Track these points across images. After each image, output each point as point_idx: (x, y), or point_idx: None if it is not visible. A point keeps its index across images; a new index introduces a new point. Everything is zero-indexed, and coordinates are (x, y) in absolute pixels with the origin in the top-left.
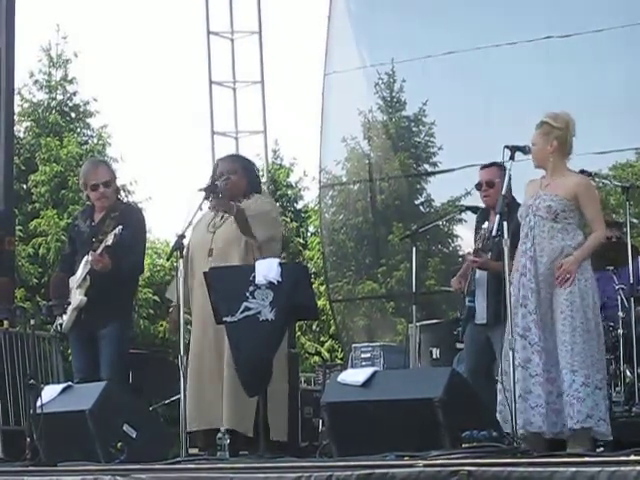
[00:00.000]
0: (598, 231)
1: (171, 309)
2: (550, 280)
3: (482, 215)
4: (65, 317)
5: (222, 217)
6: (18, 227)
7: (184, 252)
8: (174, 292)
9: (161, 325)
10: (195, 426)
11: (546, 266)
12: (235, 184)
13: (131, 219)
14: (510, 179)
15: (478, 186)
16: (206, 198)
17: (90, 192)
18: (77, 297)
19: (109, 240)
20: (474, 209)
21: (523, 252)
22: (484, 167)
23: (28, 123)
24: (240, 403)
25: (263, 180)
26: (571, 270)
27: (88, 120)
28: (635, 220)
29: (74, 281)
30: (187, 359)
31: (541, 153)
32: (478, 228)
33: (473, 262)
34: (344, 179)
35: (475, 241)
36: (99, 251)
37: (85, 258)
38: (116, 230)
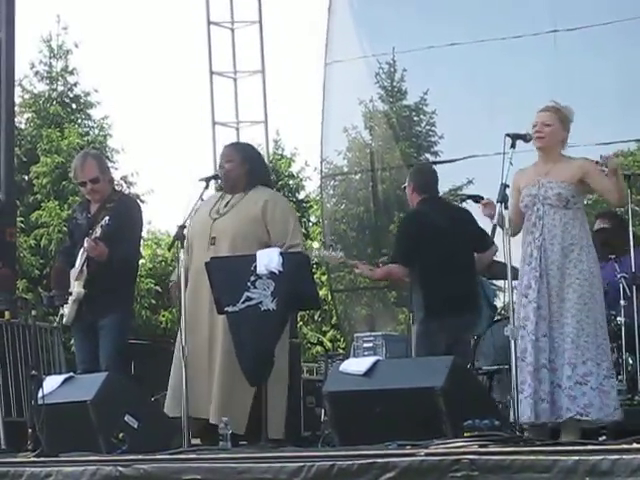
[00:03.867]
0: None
1: (171, 284)
2: (563, 269)
3: None
4: (66, 309)
5: (226, 204)
6: (19, 218)
7: (185, 241)
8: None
9: (163, 315)
10: (177, 412)
11: (558, 254)
12: (230, 172)
13: (125, 210)
14: (509, 168)
15: None
16: (206, 187)
17: (80, 187)
18: (76, 289)
19: (97, 232)
20: (476, 198)
21: (529, 242)
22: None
23: (29, 114)
24: (232, 400)
25: None
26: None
27: (89, 111)
28: (637, 208)
29: (73, 273)
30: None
31: (556, 136)
32: None
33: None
34: (345, 169)
35: None
36: (93, 237)
37: (82, 249)
38: (102, 222)
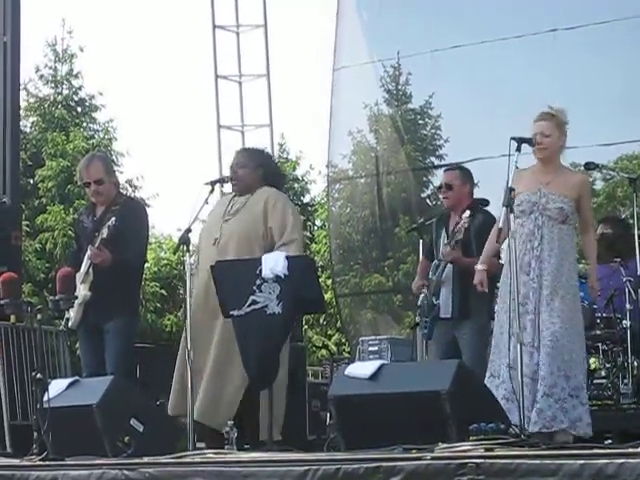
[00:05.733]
0: (591, 234)
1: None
2: (555, 284)
3: (441, 219)
4: (72, 312)
5: (233, 207)
6: (25, 222)
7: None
8: None
9: (168, 319)
10: (176, 412)
11: (554, 266)
12: (245, 178)
13: (131, 212)
14: (515, 171)
15: (439, 188)
16: (212, 191)
17: (85, 189)
18: (82, 292)
19: (104, 233)
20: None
21: (528, 250)
22: (446, 170)
23: (34, 118)
24: (213, 398)
25: None
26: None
27: (94, 114)
28: None
29: (79, 277)
30: (193, 353)
31: (555, 146)
32: (439, 230)
33: (448, 255)
34: (351, 173)
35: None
36: (97, 245)
37: (87, 253)
38: (109, 222)
